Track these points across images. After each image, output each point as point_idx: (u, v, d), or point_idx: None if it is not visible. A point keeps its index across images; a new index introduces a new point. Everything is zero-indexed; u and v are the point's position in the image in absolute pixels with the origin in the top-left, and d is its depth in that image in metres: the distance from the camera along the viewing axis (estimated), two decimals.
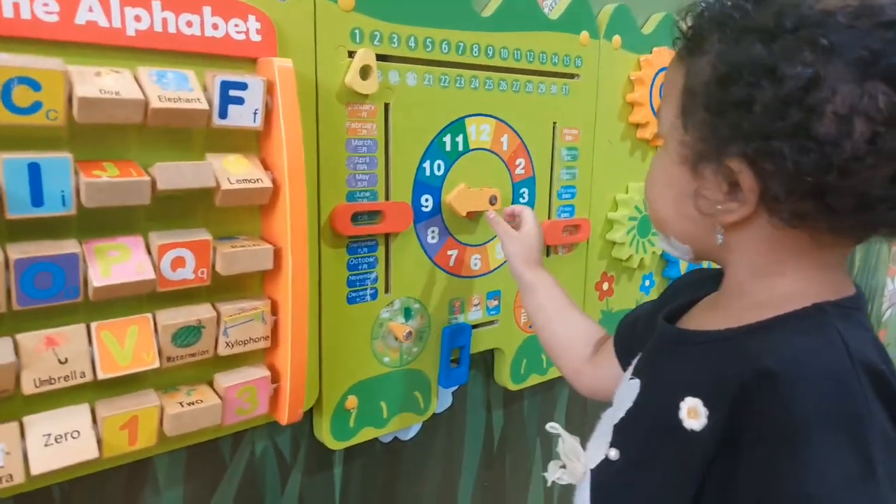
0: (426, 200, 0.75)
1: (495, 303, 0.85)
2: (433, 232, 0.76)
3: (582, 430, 0.95)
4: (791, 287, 0.43)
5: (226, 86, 0.54)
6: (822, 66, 0.36)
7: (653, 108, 0.94)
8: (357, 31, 0.66)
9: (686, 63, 0.44)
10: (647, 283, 1.05)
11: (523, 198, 0.85)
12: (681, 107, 0.44)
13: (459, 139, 0.76)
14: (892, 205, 0.38)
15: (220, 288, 0.59)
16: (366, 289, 0.71)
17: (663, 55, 0.94)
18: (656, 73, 0.94)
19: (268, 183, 0.57)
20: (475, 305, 0.83)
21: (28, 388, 0.50)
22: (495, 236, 0.83)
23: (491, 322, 0.86)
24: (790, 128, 0.37)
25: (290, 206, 0.58)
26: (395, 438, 0.82)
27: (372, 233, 0.70)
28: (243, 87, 0.55)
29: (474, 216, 0.79)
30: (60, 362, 0.51)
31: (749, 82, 0.38)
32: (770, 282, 0.44)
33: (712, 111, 0.41)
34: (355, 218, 0.68)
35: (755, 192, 0.40)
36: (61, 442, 0.52)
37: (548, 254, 0.90)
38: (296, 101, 0.57)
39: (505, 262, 0.84)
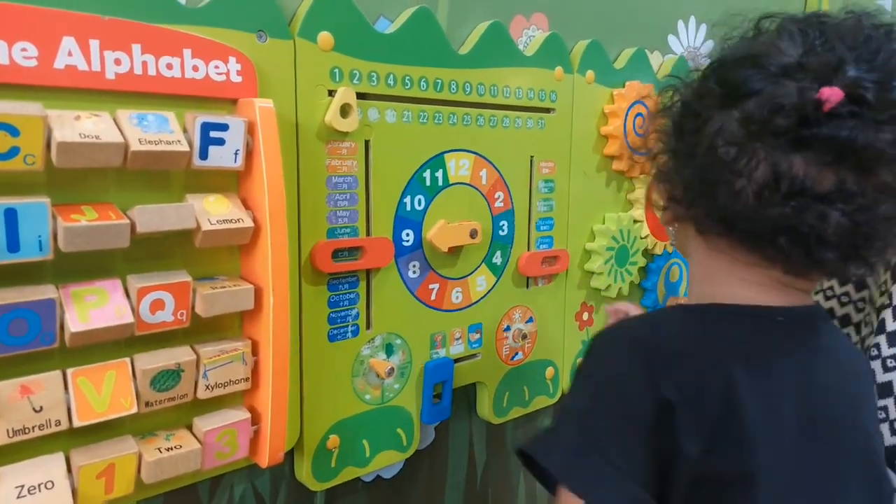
0: (407, 235, 0.75)
1: (477, 336, 0.85)
2: (414, 266, 0.76)
3: None
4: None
5: (206, 127, 0.54)
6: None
7: (627, 141, 0.96)
8: (336, 71, 0.66)
9: None
10: None
11: (503, 230, 0.85)
12: None
13: (439, 174, 0.77)
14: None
15: (201, 329, 0.58)
16: (347, 326, 0.71)
17: (636, 88, 0.96)
18: (629, 106, 0.96)
19: (249, 223, 0.57)
20: (457, 339, 0.83)
21: (0, 438, 0.48)
22: (476, 269, 0.83)
23: (473, 355, 0.86)
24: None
25: (272, 246, 0.57)
26: (378, 477, 0.81)
27: (353, 269, 0.70)
28: (224, 128, 0.55)
29: (454, 250, 0.79)
30: (35, 411, 0.50)
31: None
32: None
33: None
34: (336, 254, 0.68)
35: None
36: (34, 493, 0.50)
37: (527, 285, 0.91)
38: (277, 140, 0.57)
39: (486, 294, 0.85)
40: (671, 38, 1.09)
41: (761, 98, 0.44)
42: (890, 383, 0.68)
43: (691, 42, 1.13)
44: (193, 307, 0.56)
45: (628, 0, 1.00)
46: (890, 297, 0.70)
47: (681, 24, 1.10)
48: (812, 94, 0.42)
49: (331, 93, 0.66)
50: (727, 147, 0.46)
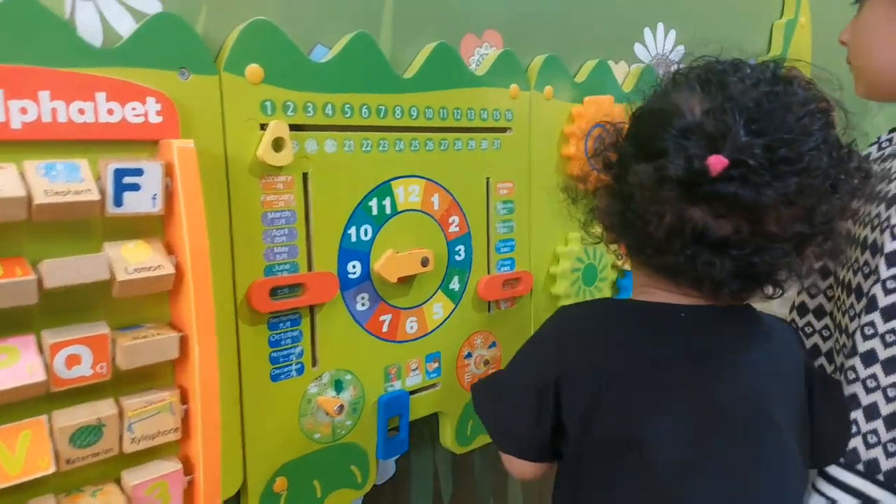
0: (353, 267, 0.73)
1: (435, 365, 0.83)
2: (363, 298, 0.74)
3: (540, 489, 0.92)
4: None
5: (119, 174, 0.52)
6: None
7: (590, 162, 0.94)
8: (268, 103, 0.64)
9: None
10: None
11: (459, 255, 0.83)
12: None
13: (387, 202, 0.75)
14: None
15: (127, 379, 0.56)
16: (290, 364, 0.69)
17: (594, 104, 0.93)
18: (590, 129, 0.93)
19: (169, 269, 0.55)
20: (413, 370, 0.81)
21: None
22: (432, 296, 0.81)
23: (432, 385, 0.83)
24: None
25: (195, 292, 0.55)
26: None
27: (294, 306, 0.67)
28: (139, 173, 0.53)
29: (406, 279, 0.77)
30: None
31: None
32: None
33: None
34: (275, 292, 0.66)
35: None
36: None
37: (489, 310, 0.88)
38: (197, 182, 0.55)
39: (443, 322, 0.82)
40: (637, 47, 1.07)
41: (664, 160, 0.50)
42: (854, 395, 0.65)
43: (660, 49, 1.10)
44: (115, 359, 0.54)
45: (590, 10, 0.98)
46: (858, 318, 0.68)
47: (647, 31, 1.08)
48: (701, 162, 0.48)
49: (263, 126, 0.64)
50: (642, 194, 0.53)
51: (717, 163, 0.47)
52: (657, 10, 1.08)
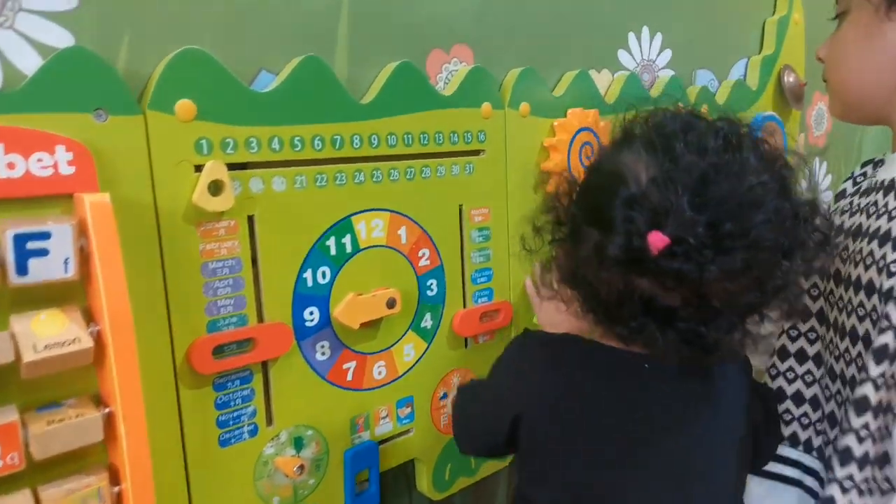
0: (311, 314, 0.66)
1: (408, 410, 0.77)
2: (323, 347, 0.68)
3: None
4: None
5: (21, 240, 0.46)
6: None
7: (570, 169, 0.87)
8: (203, 142, 0.57)
9: None
10: None
11: (431, 290, 0.77)
12: None
13: (347, 240, 0.68)
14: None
15: (47, 464, 0.50)
16: (241, 426, 0.62)
17: (577, 116, 0.87)
18: (573, 137, 0.87)
19: (87, 342, 0.48)
20: (383, 418, 0.74)
21: None
22: (402, 338, 0.75)
23: (405, 432, 0.77)
24: None
25: (117, 364, 0.49)
26: None
27: (243, 364, 0.61)
28: (45, 236, 0.46)
29: (372, 322, 0.71)
30: None
31: None
32: None
33: None
34: (220, 350, 0.59)
35: None
36: None
37: (466, 345, 0.82)
38: (114, 241, 0.49)
39: (415, 363, 0.76)
40: (622, 54, 1.00)
41: (608, 232, 0.49)
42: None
43: (646, 55, 1.04)
44: (28, 447, 0.48)
45: (569, 17, 0.91)
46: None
47: (632, 36, 1.01)
48: (641, 240, 0.46)
49: (199, 168, 0.57)
50: (591, 258, 0.51)
51: (657, 241, 0.46)
52: (642, 13, 1.01)
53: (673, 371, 0.58)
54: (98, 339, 0.49)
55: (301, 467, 0.65)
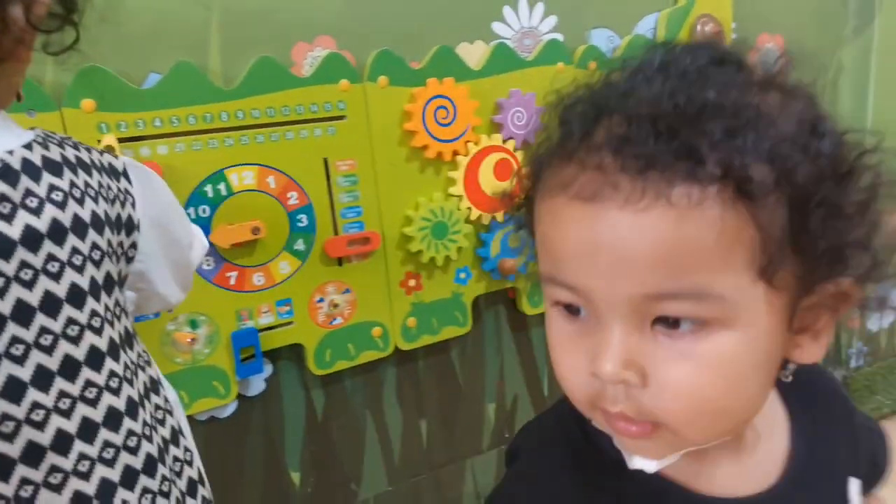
0: None
1: (287, 308, 1.07)
2: (208, 261, 0.99)
3: (420, 407, 1.16)
4: None
5: None
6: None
7: (428, 131, 1.10)
8: (103, 125, 0.89)
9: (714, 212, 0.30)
10: (463, 275, 1.21)
11: (301, 222, 1.05)
12: (759, 266, 0.31)
13: (221, 187, 0.98)
14: None
15: None
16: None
17: (434, 85, 1.09)
18: (427, 102, 1.09)
19: None
20: (265, 312, 1.05)
21: None
22: (276, 256, 1.04)
23: (288, 323, 1.07)
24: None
25: None
26: (212, 417, 1.07)
27: None
28: None
29: (246, 244, 1.00)
30: None
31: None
32: None
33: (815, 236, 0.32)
34: None
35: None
36: None
37: (340, 264, 1.10)
38: None
39: (290, 275, 1.06)
40: (496, 25, 1.18)
41: None
42: None
43: (525, 23, 1.20)
44: None
45: (435, 1, 1.11)
46: None
47: (507, 8, 1.18)
48: None
49: (100, 141, 0.89)
50: None
51: None
52: None
53: None
54: None
55: (193, 340, 0.98)
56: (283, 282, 1.06)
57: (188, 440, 0.66)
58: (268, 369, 1.10)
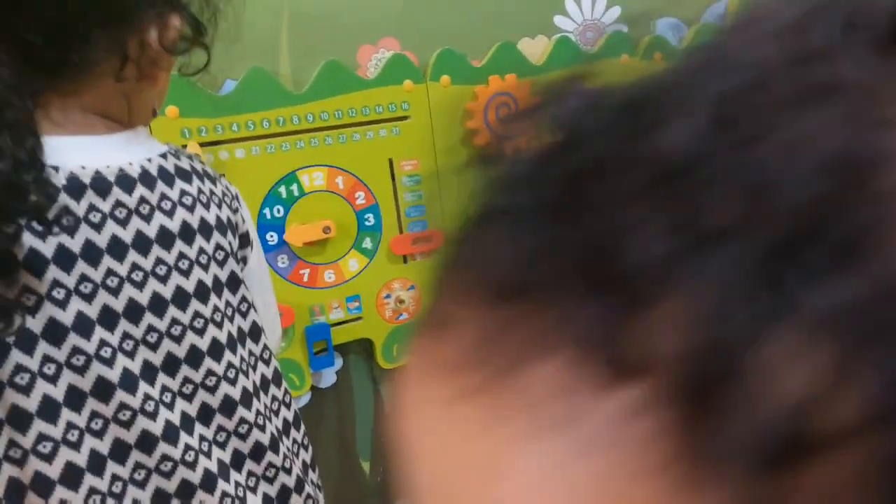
0: (271, 237, 1.02)
1: (356, 304, 1.10)
2: (283, 259, 1.03)
3: None
4: None
5: None
6: None
7: (488, 126, 1.11)
8: (185, 130, 0.94)
9: None
10: None
11: (369, 221, 1.08)
12: None
13: (294, 188, 1.02)
14: None
15: None
16: None
17: (496, 82, 1.10)
18: (490, 98, 1.10)
19: None
20: (335, 308, 1.09)
21: None
22: (346, 254, 1.08)
23: (357, 318, 1.11)
24: None
25: None
26: None
27: None
28: None
29: (317, 243, 1.04)
30: None
31: None
32: None
33: None
34: None
35: None
36: None
37: (405, 261, 1.13)
38: None
39: (359, 272, 1.09)
40: (559, 18, 1.18)
41: None
42: None
43: (587, 15, 1.20)
44: None
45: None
46: None
47: (569, 1, 1.18)
48: None
49: (184, 147, 0.94)
50: None
51: None
52: None
53: None
54: None
55: None
56: (352, 279, 1.09)
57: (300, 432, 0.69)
58: (338, 363, 1.15)
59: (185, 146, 0.94)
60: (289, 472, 0.63)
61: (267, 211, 1.01)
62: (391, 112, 1.06)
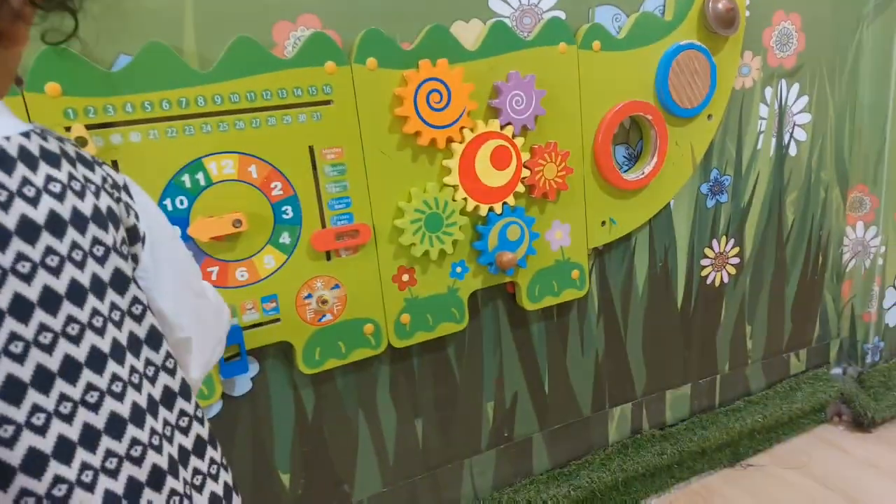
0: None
1: (272, 304, 1.01)
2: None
3: (416, 406, 1.11)
4: None
5: None
6: None
7: (420, 116, 1.03)
8: (70, 110, 0.83)
9: None
10: (459, 269, 1.15)
11: (286, 214, 0.99)
12: None
13: (199, 176, 0.92)
14: None
15: None
16: None
17: (426, 67, 1.02)
18: (420, 84, 1.02)
19: None
20: (249, 309, 0.99)
21: None
22: (260, 250, 0.98)
23: (274, 320, 1.02)
24: None
25: None
26: None
27: None
28: None
29: (227, 238, 0.95)
30: None
31: None
32: None
33: None
34: None
35: None
36: None
37: (329, 258, 1.04)
38: None
39: (275, 270, 1.00)
40: (493, 2, 1.11)
41: None
42: None
43: (524, 0, 1.13)
44: None
45: None
46: None
47: None
48: None
49: (68, 129, 0.83)
50: None
51: None
52: None
53: None
54: None
55: None
56: (268, 277, 1.00)
57: (217, 451, 0.61)
58: (254, 368, 1.05)
59: (69, 128, 0.83)
60: (200, 494, 0.55)
61: (168, 202, 0.91)
62: (311, 96, 0.97)
